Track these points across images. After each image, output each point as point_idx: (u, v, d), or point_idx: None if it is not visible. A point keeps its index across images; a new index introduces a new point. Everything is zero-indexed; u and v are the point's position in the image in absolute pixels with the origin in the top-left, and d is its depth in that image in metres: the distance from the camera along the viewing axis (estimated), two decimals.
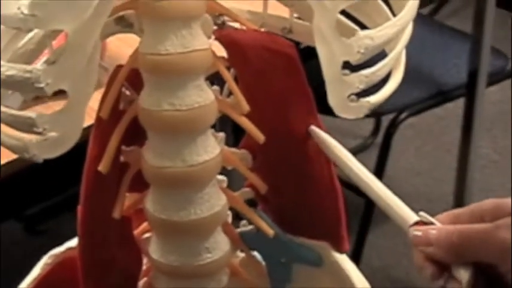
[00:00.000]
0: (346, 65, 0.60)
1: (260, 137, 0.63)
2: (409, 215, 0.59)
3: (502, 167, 2.25)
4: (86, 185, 0.67)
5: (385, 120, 1.82)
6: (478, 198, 1.88)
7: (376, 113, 1.76)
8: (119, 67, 0.64)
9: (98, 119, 0.64)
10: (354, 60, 0.59)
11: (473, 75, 1.69)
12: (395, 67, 0.65)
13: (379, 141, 2.28)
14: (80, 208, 0.68)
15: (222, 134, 0.67)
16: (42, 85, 0.52)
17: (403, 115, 1.66)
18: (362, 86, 0.60)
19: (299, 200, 0.69)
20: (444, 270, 0.57)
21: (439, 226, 0.57)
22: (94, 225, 0.68)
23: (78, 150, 0.63)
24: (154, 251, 0.68)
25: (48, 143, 0.57)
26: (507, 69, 1.85)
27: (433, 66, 1.77)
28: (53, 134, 0.57)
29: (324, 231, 0.70)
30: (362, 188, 0.62)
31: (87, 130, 0.64)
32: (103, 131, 0.65)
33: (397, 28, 0.61)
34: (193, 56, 0.60)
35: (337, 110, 0.61)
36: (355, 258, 1.74)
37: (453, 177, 1.92)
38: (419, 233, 0.58)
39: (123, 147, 0.66)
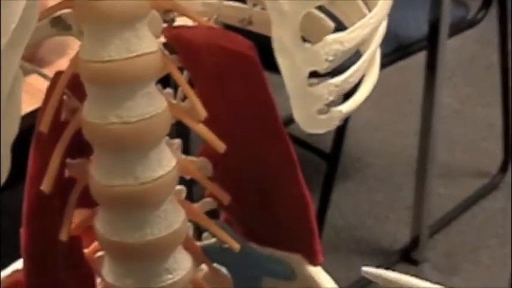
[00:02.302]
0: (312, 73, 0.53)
1: (220, 145, 0.57)
2: None
3: (464, 116, 2.21)
4: (28, 205, 0.60)
5: None
6: (443, 149, 1.84)
7: (336, 72, 1.69)
8: (59, 73, 0.57)
9: (37, 132, 0.57)
10: (322, 69, 0.52)
11: (434, 27, 1.64)
12: (368, 68, 0.58)
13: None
14: (22, 230, 0.61)
15: (178, 141, 0.60)
16: None
17: None
18: (332, 97, 0.53)
19: (265, 210, 0.62)
20: None
21: None
22: (39, 248, 0.61)
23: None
24: (108, 274, 0.61)
25: None
26: (467, 18, 1.80)
27: (391, 20, 1.69)
28: None
29: (294, 242, 0.64)
30: None
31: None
32: (43, 145, 0.58)
33: (370, 27, 0.54)
34: (140, 61, 0.53)
35: (304, 126, 0.54)
36: (319, 219, 1.69)
37: (414, 129, 1.87)
38: None
39: (68, 160, 0.59)
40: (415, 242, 1.84)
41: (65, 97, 0.58)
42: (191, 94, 0.56)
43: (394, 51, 1.64)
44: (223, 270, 0.66)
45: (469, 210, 1.97)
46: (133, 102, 0.54)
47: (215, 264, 0.66)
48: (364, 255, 1.85)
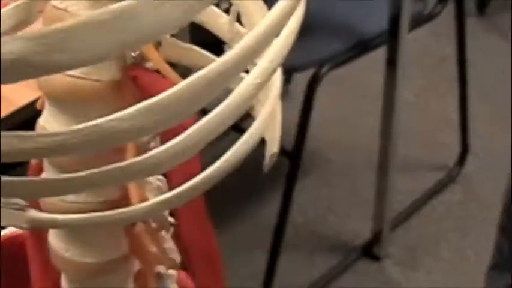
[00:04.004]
0: None
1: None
2: None
3: (420, 108, 2.20)
4: None
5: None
6: (399, 143, 1.80)
7: (293, 69, 1.67)
8: None
9: None
10: None
11: (394, 22, 1.62)
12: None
13: (294, 88, 2.20)
14: None
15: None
16: None
17: (323, 70, 1.57)
18: None
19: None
20: None
21: None
22: None
23: None
24: None
25: None
26: (425, 13, 1.79)
27: (350, 15, 1.68)
28: None
29: None
30: None
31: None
32: None
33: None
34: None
35: None
36: (281, 218, 1.67)
37: (371, 124, 1.86)
38: None
39: None
40: (376, 237, 1.83)
41: None
42: None
43: (354, 46, 1.62)
44: None
45: (428, 204, 1.97)
46: None
47: None
48: (325, 252, 1.84)
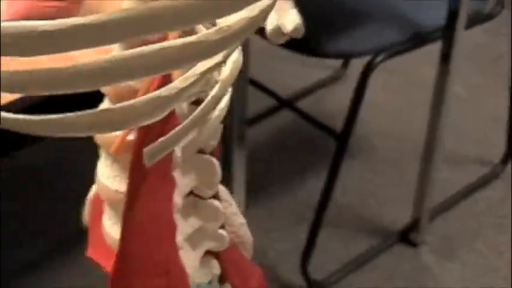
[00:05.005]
0: None
1: None
2: None
3: (471, 105, 2.24)
4: None
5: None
6: (447, 135, 1.85)
7: (350, 55, 1.72)
8: None
9: None
10: None
11: (452, 18, 1.66)
12: None
13: (350, 73, 2.25)
14: None
15: None
16: None
17: (378, 58, 1.62)
18: None
19: None
20: None
21: None
22: None
23: None
24: None
25: None
26: (485, 11, 1.82)
27: (410, 7, 1.73)
28: None
29: None
30: None
31: None
32: None
33: None
34: None
35: None
36: (325, 197, 1.73)
37: (422, 115, 1.90)
38: None
39: None
40: (414, 224, 1.88)
41: None
42: None
43: (410, 38, 1.66)
44: None
45: (469, 197, 2.01)
46: None
47: None
48: (364, 234, 1.89)
